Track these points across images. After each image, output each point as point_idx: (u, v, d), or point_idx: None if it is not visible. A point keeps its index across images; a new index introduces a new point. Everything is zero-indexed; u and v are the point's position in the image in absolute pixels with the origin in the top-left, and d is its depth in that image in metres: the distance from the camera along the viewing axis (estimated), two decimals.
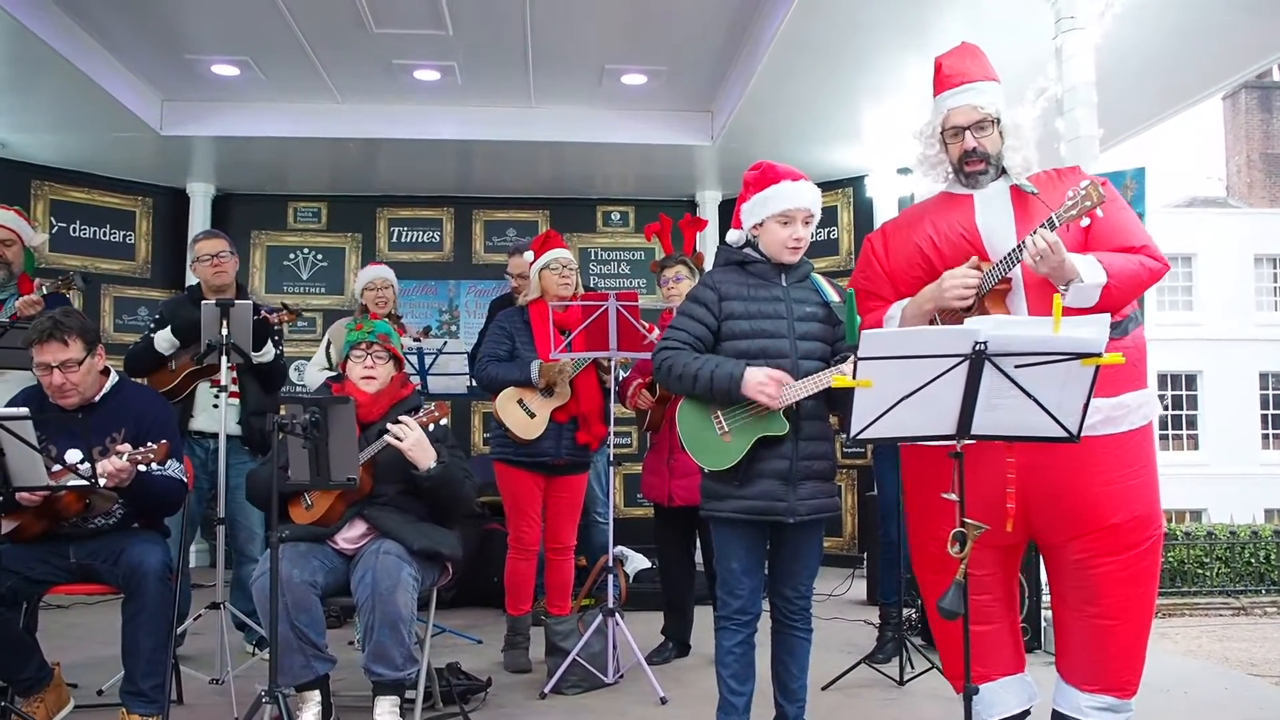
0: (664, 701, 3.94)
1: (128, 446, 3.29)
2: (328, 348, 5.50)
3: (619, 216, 8.72)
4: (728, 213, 8.03)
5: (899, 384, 2.35)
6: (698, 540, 4.75)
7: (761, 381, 2.87)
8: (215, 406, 4.38)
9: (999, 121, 2.88)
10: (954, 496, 2.44)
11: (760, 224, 3.07)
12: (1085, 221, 2.67)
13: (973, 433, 2.41)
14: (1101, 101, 4.71)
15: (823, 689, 4.07)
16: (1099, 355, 2.29)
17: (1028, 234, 2.65)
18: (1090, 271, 2.62)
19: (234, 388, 4.53)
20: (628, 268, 8.66)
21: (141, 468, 3.29)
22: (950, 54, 3.03)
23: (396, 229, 8.57)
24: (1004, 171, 2.89)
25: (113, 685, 3.86)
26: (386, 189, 8.43)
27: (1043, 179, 2.89)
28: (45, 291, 4.32)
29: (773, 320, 3.01)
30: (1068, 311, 2.48)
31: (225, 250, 4.70)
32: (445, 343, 5.22)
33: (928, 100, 5.38)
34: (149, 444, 3.30)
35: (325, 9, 5.66)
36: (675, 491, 4.44)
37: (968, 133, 2.87)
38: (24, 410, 3.08)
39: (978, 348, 2.30)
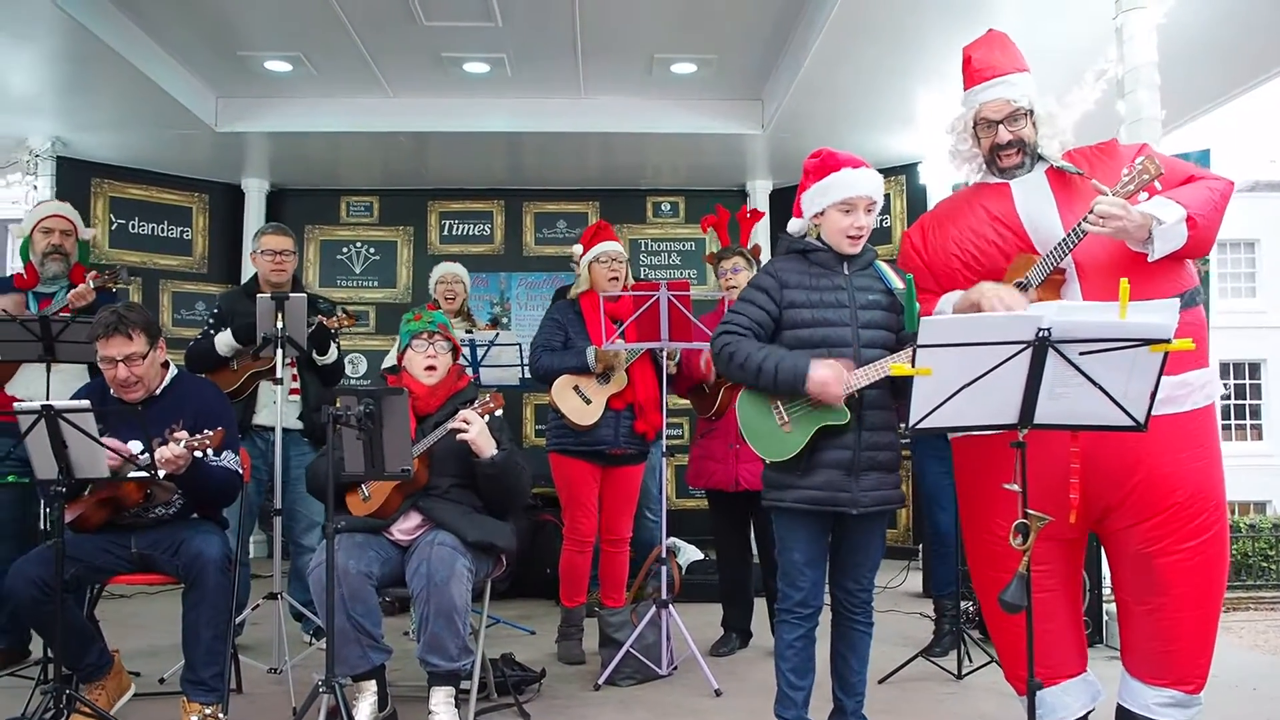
0: (718, 694, 3.92)
1: (184, 434, 3.33)
2: (401, 340, 5.54)
3: (669, 207, 8.68)
4: (778, 202, 8.02)
5: (959, 372, 2.30)
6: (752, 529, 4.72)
7: (825, 380, 2.83)
8: (276, 403, 4.44)
9: (1032, 112, 2.84)
10: (1016, 487, 2.38)
11: (821, 213, 3.03)
12: (1143, 196, 2.59)
13: (1035, 422, 2.36)
14: (1164, 82, 4.60)
15: (879, 682, 4.02)
16: (1168, 341, 2.22)
17: (1074, 219, 2.59)
18: (1166, 210, 2.55)
19: (295, 384, 4.60)
20: (678, 258, 8.62)
21: (198, 454, 3.33)
22: (978, 44, 2.97)
23: (448, 222, 8.61)
24: (1039, 159, 2.84)
25: (174, 674, 3.91)
26: (437, 182, 8.47)
27: (1081, 156, 2.84)
28: (93, 285, 4.39)
29: (835, 309, 2.97)
30: (1143, 288, 2.42)
31: (289, 249, 4.76)
32: (497, 334, 5.24)
33: None
34: (205, 431, 3.35)
35: (376, 3, 5.68)
36: (743, 476, 4.40)
37: (1001, 126, 2.84)
38: (85, 403, 3.12)
39: (1041, 334, 2.25)
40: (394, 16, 5.84)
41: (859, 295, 3.01)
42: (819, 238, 3.07)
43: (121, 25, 5.83)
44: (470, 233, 8.60)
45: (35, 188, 7.18)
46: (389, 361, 5.50)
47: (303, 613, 4.55)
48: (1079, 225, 2.57)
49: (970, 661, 4.21)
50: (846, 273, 3.04)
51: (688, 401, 4.75)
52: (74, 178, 7.48)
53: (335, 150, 7.68)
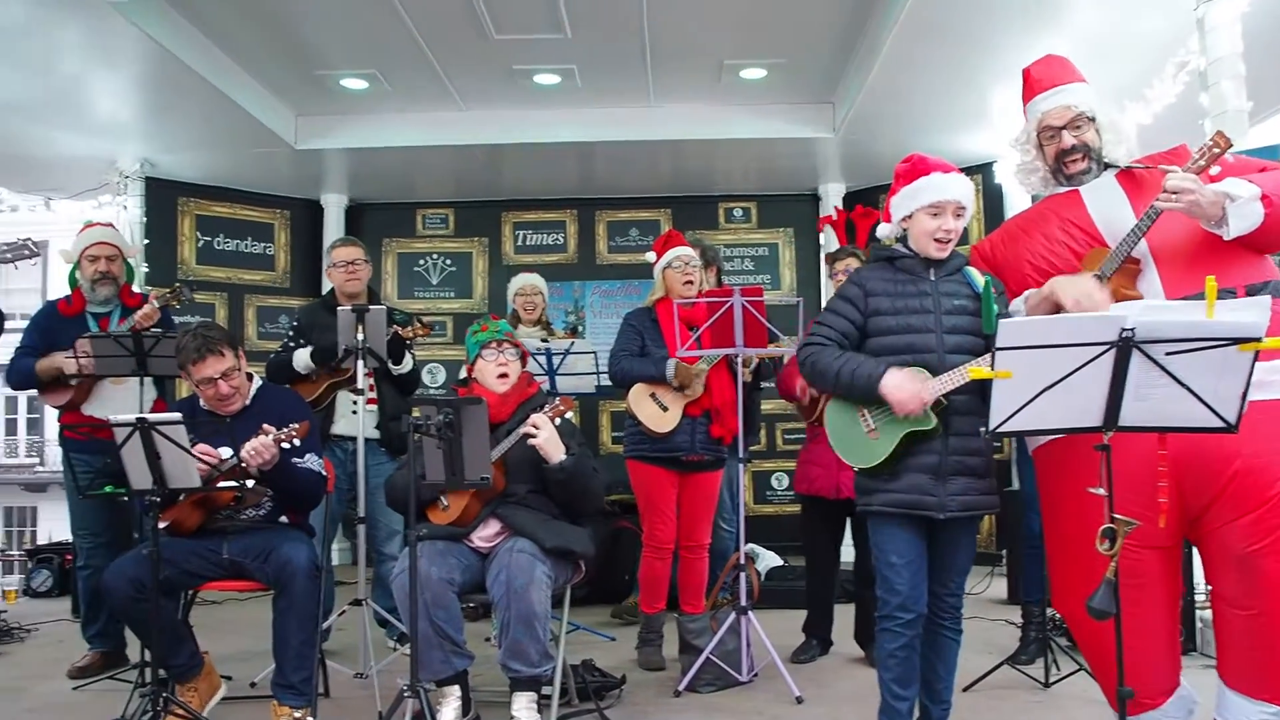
0: (800, 701, 3.90)
1: (271, 427, 3.44)
2: (470, 351, 5.61)
3: (741, 212, 8.67)
4: (851, 205, 7.95)
5: (1040, 374, 2.26)
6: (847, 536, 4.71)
7: (899, 385, 2.83)
8: (354, 412, 4.54)
9: (1095, 119, 2.82)
10: (1102, 491, 2.33)
11: (909, 216, 3.02)
12: (1215, 170, 2.54)
13: (1120, 424, 2.30)
14: (1248, 73, 4.47)
15: (964, 690, 3.96)
16: (1259, 340, 2.15)
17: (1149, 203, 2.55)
18: (1238, 187, 2.50)
19: (372, 394, 4.69)
20: (751, 264, 8.60)
21: (284, 446, 3.43)
22: (1037, 64, 3.00)
23: (521, 232, 8.71)
24: (1106, 166, 2.81)
25: (264, 678, 4.02)
26: (511, 193, 8.57)
27: (1150, 163, 2.79)
28: (157, 304, 4.52)
29: (919, 315, 2.96)
30: (1222, 278, 2.35)
31: (360, 258, 4.86)
32: (573, 343, 5.28)
33: None
34: (291, 425, 3.45)
35: (447, 19, 5.78)
36: (844, 483, 4.38)
37: (1064, 131, 2.82)
38: (176, 415, 3.23)
39: (1125, 335, 2.19)
40: (465, 31, 5.93)
41: (944, 301, 2.99)
42: (906, 243, 3.05)
43: (205, 49, 6.02)
44: (544, 242, 8.69)
45: (125, 208, 7.43)
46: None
47: (387, 619, 4.62)
48: (1152, 206, 2.54)
49: (1058, 670, 4.12)
50: (932, 278, 3.02)
51: (773, 406, 4.73)
52: (161, 197, 7.73)
53: (410, 164, 7.82)
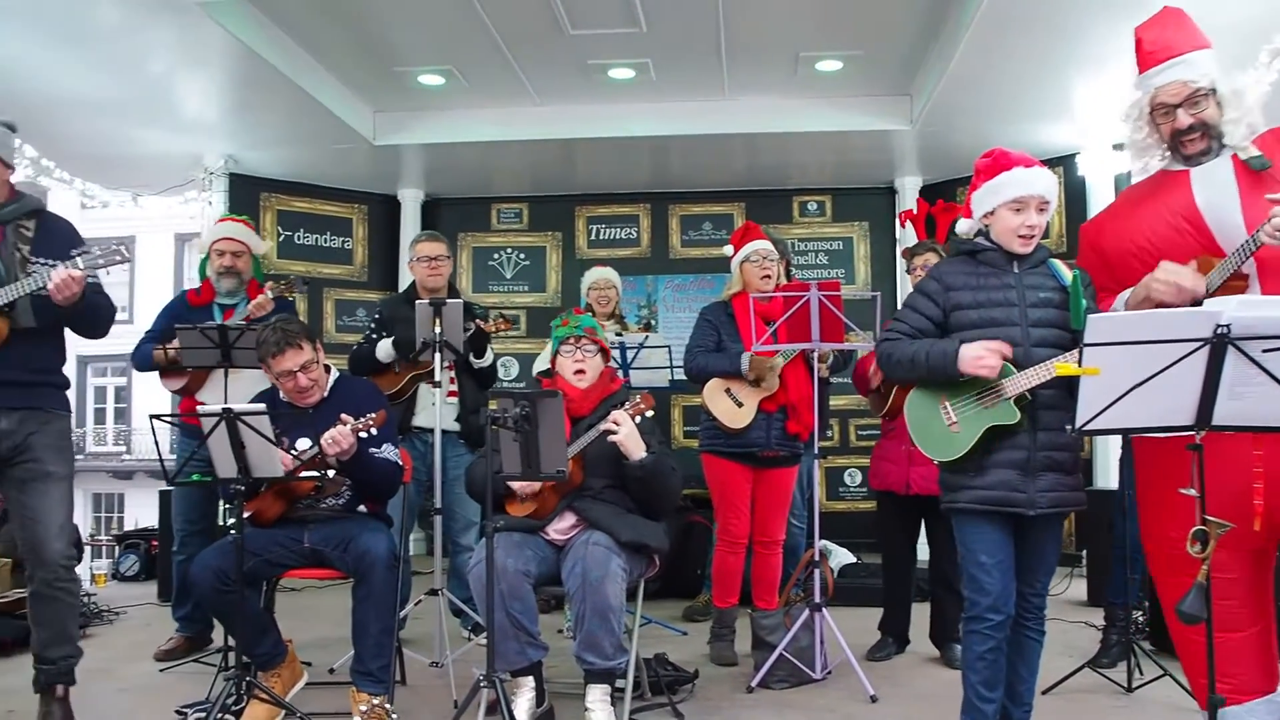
0: (874, 700, 3.86)
1: (349, 417, 3.50)
2: (553, 345, 5.64)
3: (815, 206, 8.59)
4: (928, 199, 7.82)
5: (1129, 371, 2.20)
6: (921, 534, 4.65)
7: (978, 355, 2.79)
8: (435, 405, 4.59)
9: (1215, 91, 2.65)
10: (1193, 492, 2.26)
11: (992, 212, 2.96)
12: None
13: (1214, 423, 2.23)
14: None
15: (1043, 693, 3.88)
16: None
17: (1257, 212, 2.42)
18: None
19: (452, 387, 4.74)
20: (826, 258, 8.52)
21: (363, 435, 3.49)
22: (1150, 24, 2.81)
23: (595, 226, 8.74)
24: (1225, 146, 2.65)
25: (343, 664, 4.10)
26: (584, 188, 8.61)
27: (1268, 141, 2.64)
28: (271, 295, 4.63)
29: (1003, 309, 2.90)
30: None
31: (443, 254, 4.92)
32: (647, 337, 5.28)
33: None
34: (368, 414, 3.51)
35: (523, 14, 5.81)
36: (914, 479, 4.36)
37: (1179, 110, 2.66)
38: (261, 406, 3.31)
39: (1220, 331, 2.13)
40: (541, 27, 5.96)
41: (1029, 293, 2.92)
42: (989, 238, 3.00)
43: (287, 48, 6.14)
44: (617, 236, 8.71)
45: (210, 203, 7.62)
46: (542, 364, 5.62)
47: (462, 609, 4.68)
48: (1256, 234, 2.41)
49: (1141, 674, 4.02)
50: (1016, 271, 2.96)
51: (846, 401, 4.70)
52: (245, 193, 7.90)
53: (486, 159, 7.89)
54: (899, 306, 3.18)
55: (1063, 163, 7.43)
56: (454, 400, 4.80)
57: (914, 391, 3.02)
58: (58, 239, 3.36)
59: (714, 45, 6.27)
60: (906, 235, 7.81)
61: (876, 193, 8.46)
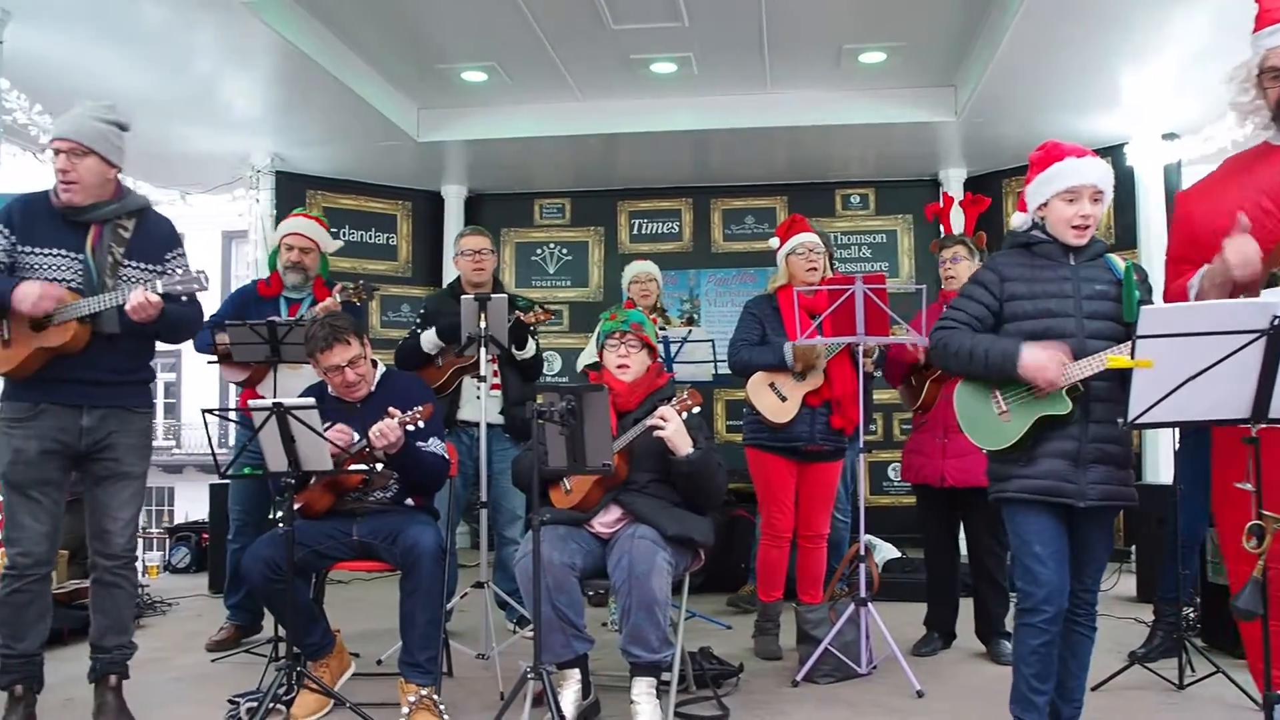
0: (920, 695, 3.83)
1: (396, 411, 3.55)
2: (598, 338, 5.65)
3: (858, 199, 8.55)
4: (973, 192, 7.74)
5: (1183, 364, 2.18)
6: (961, 527, 4.62)
7: (1041, 364, 2.75)
8: (479, 398, 4.62)
9: None
10: (1249, 486, 2.23)
11: (1045, 203, 2.93)
12: None
13: (1271, 416, 2.20)
14: None
15: (1093, 689, 3.83)
16: None
17: None
18: None
19: (496, 380, 4.77)
20: (869, 251, 8.47)
21: (410, 428, 3.54)
22: None
23: (637, 221, 8.76)
24: None
25: (390, 656, 4.14)
26: (626, 182, 8.63)
27: None
28: (339, 299, 4.66)
29: (1058, 300, 2.87)
30: None
31: (487, 248, 4.94)
32: (690, 332, 5.28)
33: (1198, 57, 4.92)
34: (415, 407, 3.55)
35: (566, 10, 5.83)
36: (948, 472, 4.33)
37: None
38: (311, 400, 3.35)
39: (1277, 322, 2.10)
40: (583, 22, 5.97)
41: (1084, 285, 2.89)
42: (1045, 231, 2.97)
43: (332, 46, 6.20)
44: (659, 231, 8.72)
45: (257, 201, 7.73)
46: (587, 358, 5.63)
47: (507, 601, 4.71)
48: None
49: (1193, 671, 3.96)
50: (1072, 263, 2.93)
51: (891, 395, 4.67)
52: (291, 190, 8.00)
53: (528, 155, 7.93)
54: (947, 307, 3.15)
55: (1111, 153, 7.31)
56: (497, 394, 4.82)
57: (964, 380, 3.00)
58: (155, 241, 3.42)
59: (756, 38, 6.25)
60: (952, 227, 7.77)
61: (920, 185, 8.40)
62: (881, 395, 7.31)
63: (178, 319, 3.38)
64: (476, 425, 4.63)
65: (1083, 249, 2.93)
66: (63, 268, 3.28)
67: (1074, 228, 2.88)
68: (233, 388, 4.94)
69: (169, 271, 3.43)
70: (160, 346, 3.66)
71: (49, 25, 5.44)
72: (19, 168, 6.91)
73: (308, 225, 4.93)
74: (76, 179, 3.26)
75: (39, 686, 3.32)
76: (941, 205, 4.98)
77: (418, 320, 4.97)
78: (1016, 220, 3.07)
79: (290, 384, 4.39)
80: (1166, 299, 2.98)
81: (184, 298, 3.28)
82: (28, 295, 3.14)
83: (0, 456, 3.27)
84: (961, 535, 4.64)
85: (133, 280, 3.33)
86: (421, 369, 4.78)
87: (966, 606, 4.62)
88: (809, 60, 6.61)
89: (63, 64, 5.89)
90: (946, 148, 7.73)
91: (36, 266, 3.26)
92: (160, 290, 3.22)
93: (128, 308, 3.19)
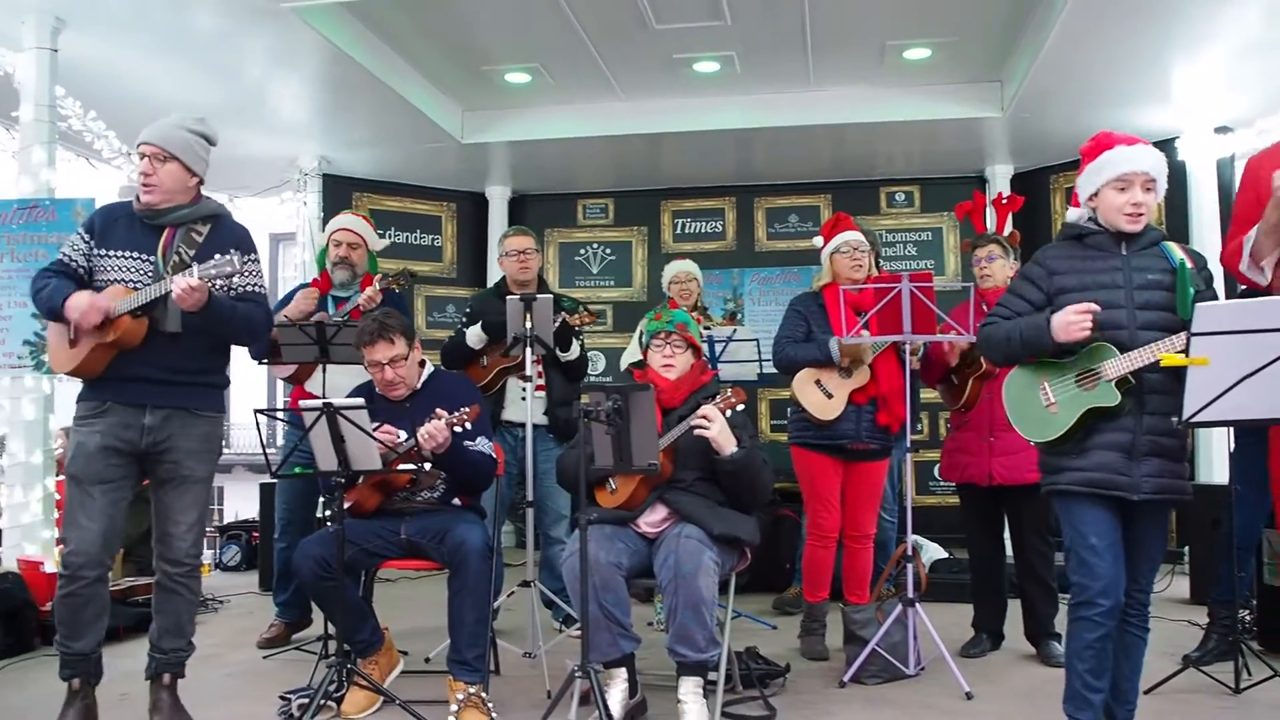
0: (970, 696, 3.80)
1: (443, 411, 3.58)
2: (640, 338, 5.67)
3: (903, 197, 8.48)
4: (1018, 188, 7.67)
5: (1241, 361, 2.14)
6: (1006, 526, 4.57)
7: (1069, 320, 2.75)
8: (523, 399, 4.65)
9: None
10: None
11: (1096, 193, 2.90)
12: None
13: None
14: None
15: (1145, 692, 3.77)
16: None
17: None
18: None
19: (540, 381, 4.79)
20: (914, 249, 8.41)
21: (457, 429, 3.57)
22: None
23: (680, 220, 8.76)
24: None
25: (438, 653, 4.18)
26: (669, 181, 8.63)
27: None
28: (380, 288, 4.73)
29: (1108, 291, 2.83)
30: None
31: (531, 248, 4.97)
32: (735, 331, 5.27)
33: (1250, 49, 4.82)
34: (462, 409, 3.58)
35: (608, 10, 5.84)
36: (996, 470, 4.29)
37: None
38: (360, 400, 3.39)
39: None
40: (626, 22, 5.98)
41: (1136, 275, 2.84)
42: (1098, 223, 2.93)
43: (378, 50, 6.26)
44: (703, 230, 8.71)
45: (305, 203, 7.82)
46: (630, 357, 5.63)
47: (554, 600, 4.73)
48: None
49: (1249, 675, 3.88)
50: (1124, 253, 2.89)
51: (936, 394, 4.63)
52: (338, 192, 8.10)
53: (571, 155, 7.96)
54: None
55: (1162, 147, 7.15)
56: (541, 394, 4.85)
57: (1014, 372, 2.99)
58: (226, 246, 3.41)
59: (799, 36, 6.23)
60: (995, 225, 7.68)
61: (966, 182, 8.31)
62: (928, 394, 7.25)
63: (236, 314, 3.38)
64: (521, 425, 4.66)
65: (1136, 238, 2.89)
66: (134, 269, 3.34)
67: (1126, 215, 2.84)
68: (280, 386, 5.02)
69: (240, 276, 3.41)
70: None
71: (103, 33, 5.55)
72: (73, 173, 7.07)
73: (354, 221, 5.00)
74: (156, 183, 3.35)
75: (97, 680, 3.37)
76: (972, 204, 4.92)
77: (463, 320, 5.00)
78: (1071, 215, 3.04)
79: (338, 381, 4.44)
80: (1223, 259, 2.92)
81: (224, 287, 3.26)
82: (77, 305, 3.20)
83: (68, 451, 3.36)
84: (1006, 535, 4.58)
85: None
86: (467, 368, 4.81)
87: (1014, 608, 4.57)
88: (853, 57, 6.57)
89: (116, 71, 6.01)
90: (993, 144, 7.65)
91: (111, 268, 3.33)
92: (198, 275, 3.21)
93: (174, 294, 3.20)
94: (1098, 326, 2.79)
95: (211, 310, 3.26)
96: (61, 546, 3.36)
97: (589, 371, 7.88)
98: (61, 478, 3.89)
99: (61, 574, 3.29)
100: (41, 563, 5.03)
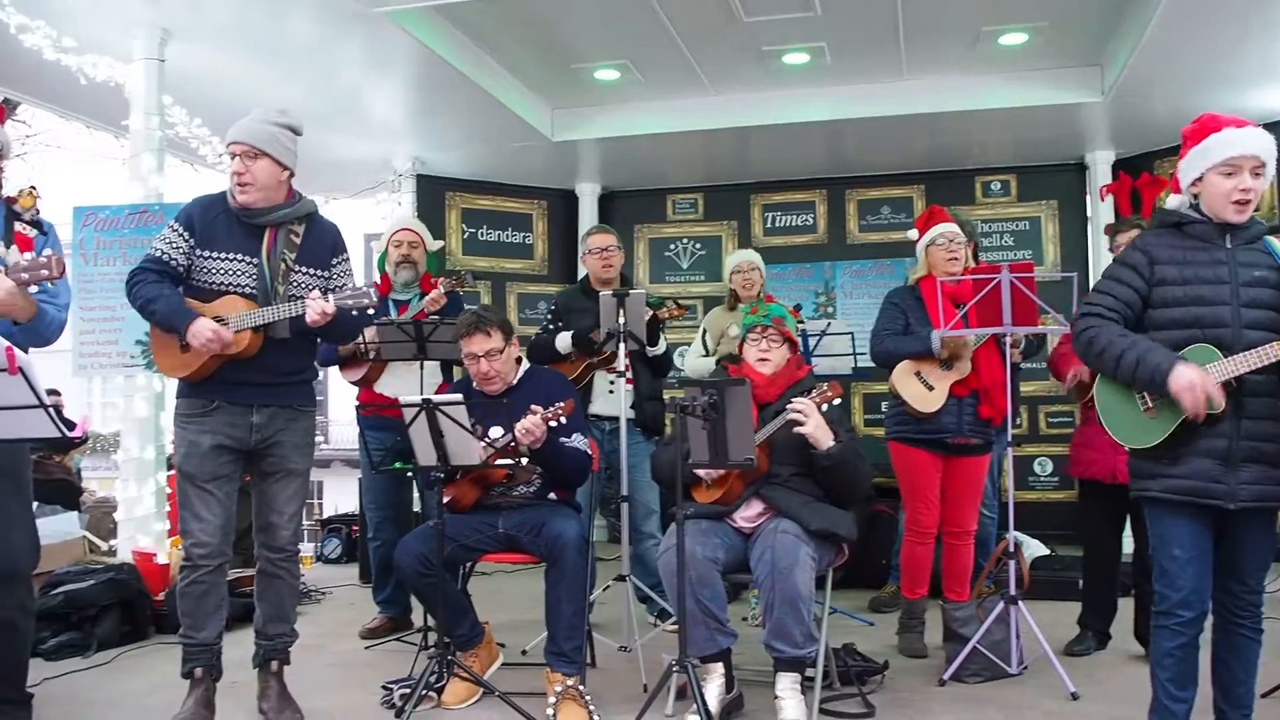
0: (1075, 697, 3.71)
1: (539, 407, 3.62)
2: (703, 335, 5.66)
3: (999, 186, 8.29)
4: (1124, 173, 7.43)
5: None
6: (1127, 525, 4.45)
7: (1192, 383, 2.58)
8: (610, 393, 4.68)
9: None
10: None
11: (1200, 178, 2.77)
12: None
13: None
14: None
15: (1263, 696, 3.63)
16: None
17: None
18: None
19: (628, 375, 4.81)
20: (1011, 239, 8.20)
21: (553, 424, 3.61)
22: None
23: (770, 214, 8.68)
24: None
25: (535, 646, 4.22)
26: (759, 175, 8.56)
27: None
28: (444, 290, 4.81)
29: (1212, 286, 2.70)
30: None
31: (614, 245, 5.01)
32: (829, 324, 5.22)
33: None
34: (557, 404, 3.62)
35: (697, 4, 5.81)
36: (1121, 468, 4.16)
37: None
38: (458, 396, 3.44)
39: None
40: (714, 16, 5.95)
41: (1242, 271, 2.71)
42: (1198, 210, 2.81)
43: (469, 51, 6.34)
44: (793, 223, 8.62)
45: (399, 204, 7.97)
46: (693, 353, 5.59)
47: (648, 594, 4.74)
48: None
49: None
50: (1229, 246, 2.75)
51: (1035, 388, 4.52)
52: (431, 193, 8.23)
53: (661, 150, 7.94)
54: (1091, 290, 3.01)
55: (1273, 129, 6.90)
56: (629, 389, 4.86)
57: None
58: (323, 246, 3.55)
59: (891, 25, 6.12)
60: (1100, 212, 7.46)
61: (1065, 169, 8.08)
62: (1028, 387, 7.10)
63: (349, 325, 3.50)
64: (607, 419, 4.68)
65: (1240, 230, 2.75)
66: (239, 272, 3.42)
67: (1234, 203, 2.71)
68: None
69: (335, 278, 3.54)
70: None
71: (206, 43, 5.71)
72: (180, 178, 7.32)
73: (413, 221, 5.12)
74: (251, 180, 3.40)
75: (218, 675, 3.48)
76: (1116, 186, 4.76)
77: (548, 317, 5.04)
78: (1172, 202, 2.90)
79: (395, 384, 4.62)
80: None
81: (354, 311, 3.38)
82: (199, 334, 3.26)
83: (177, 449, 3.46)
84: (1126, 532, 4.45)
85: (300, 285, 3.44)
86: (554, 364, 4.85)
87: (1123, 607, 4.44)
88: (946, 44, 6.43)
89: (218, 79, 6.18)
90: (1093, 130, 7.42)
91: (214, 270, 3.41)
92: (333, 305, 3.31)
93: (309, 319, 3.29)
94: (1197, 325, 2.68)
95: (330, 321, 3.37)
96: (181, 540, 3.48)
97: (678, 367, 7.91)
98: (172, 472, 4.04)
99: (183, 566, 3.41)
100: (154, 554, 5.22)
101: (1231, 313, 2.68)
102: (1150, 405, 2.73)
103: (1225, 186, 2.71)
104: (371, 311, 3.45)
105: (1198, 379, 2.59)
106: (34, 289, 3.02)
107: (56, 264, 2.96)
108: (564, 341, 4.85)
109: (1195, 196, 2.81)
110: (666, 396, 4.99)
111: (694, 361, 5.59)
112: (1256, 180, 2.71)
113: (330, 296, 3.33)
